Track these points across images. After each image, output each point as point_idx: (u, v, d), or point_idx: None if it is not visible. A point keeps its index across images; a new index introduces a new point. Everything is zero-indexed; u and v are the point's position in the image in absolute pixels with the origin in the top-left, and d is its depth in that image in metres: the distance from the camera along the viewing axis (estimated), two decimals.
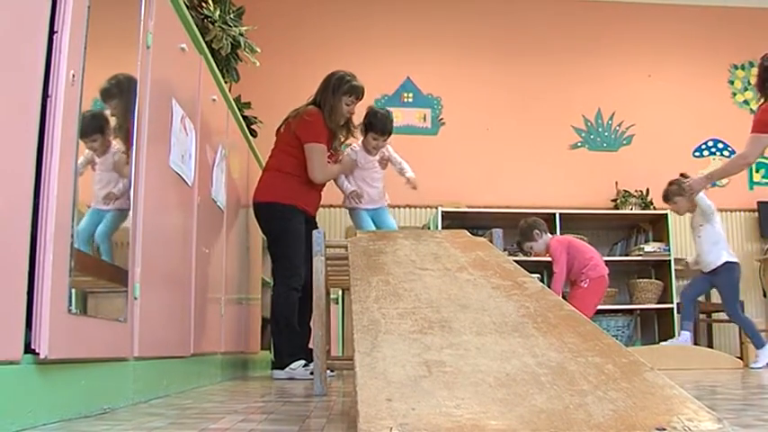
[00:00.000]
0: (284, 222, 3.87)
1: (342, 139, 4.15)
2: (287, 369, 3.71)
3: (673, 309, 6.08)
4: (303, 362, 3.70)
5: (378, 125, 4.12)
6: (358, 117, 4.16)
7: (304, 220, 3.94)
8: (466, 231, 2.56)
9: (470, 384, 1.10)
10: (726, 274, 5.04)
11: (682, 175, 5.10)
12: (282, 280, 3.84)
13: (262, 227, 4.02)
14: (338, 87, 3.94)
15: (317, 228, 4.09)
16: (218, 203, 3.46)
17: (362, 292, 1.63)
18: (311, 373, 3.52)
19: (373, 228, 4.14)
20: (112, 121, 1.98)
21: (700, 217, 5.09)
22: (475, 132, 6.74)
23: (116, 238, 2.03)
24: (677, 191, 5.12)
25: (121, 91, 2.08)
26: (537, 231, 5.04)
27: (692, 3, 7.15)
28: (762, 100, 4.38)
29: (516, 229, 6.34)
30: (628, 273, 6.52)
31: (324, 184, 4.11)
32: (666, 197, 5.24)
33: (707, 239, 5.07)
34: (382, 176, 4.26)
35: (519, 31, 7.04)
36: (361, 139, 4.21)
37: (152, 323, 2.27)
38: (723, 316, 6.47)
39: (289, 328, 3.77)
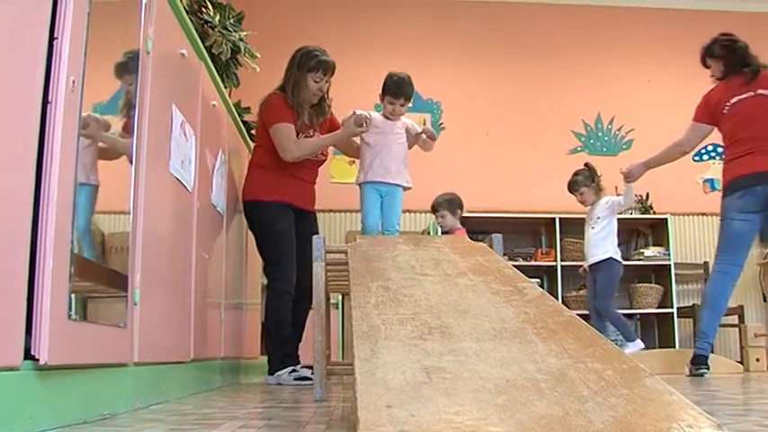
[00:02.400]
0: (268, 221, 3.67)
1: (309, 122, 3.74)
2: (275, 375, 3.63)
3: (673, 313, 6.08)
4: (290, 368, 3.61)
5: (391, 87, 3.69)
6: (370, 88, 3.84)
7: (294, 216, 3.72)
8: (465, 236, 2.56)
9: (470, 391, 1.10)
10: (606, 270, 4.84)
11: (586, 164, 4.96)
12: (272, 284, 3.69)
13: (249, 228, 3.85)
14: (304, 63, 3.68)
15: (315, 222, 3.91)
16: (218, 209, 3.46)
17: (362, 297, 1.63)
18: (295, 379, 3.53)
19: (378, 211, 3.67)
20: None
21: (605, 209, 4.85)
22: (474, 137, 6.75)
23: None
24: (583, 181, 4.90)
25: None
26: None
27: (692, 7, 7.16)
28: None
29: (517, 235, 6.36)
30: (628, 277, 6.50)
31: (315, 176, 3.89)
32: (572, 187, 4.97)
33: (600, 232, 4.86)
34: (405, 151, 3.77)
35: (519, 35, 7.04)
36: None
37: (152, 329, 2.27)
38: (723, 320, 6.47)
39: (278, 334, 3.64)
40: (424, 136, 3.79)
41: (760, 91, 3.98)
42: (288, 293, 3.63)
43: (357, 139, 3.83)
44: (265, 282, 3.84)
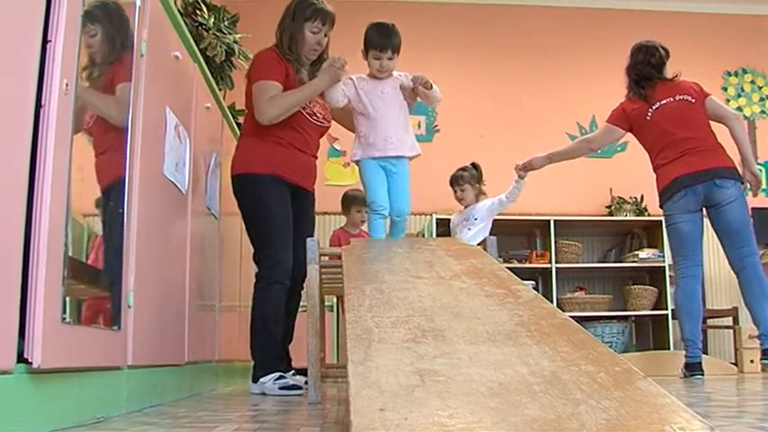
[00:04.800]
0: (257, 197, 3.12)
1: (308, 80, 3.21)
2: (258, 382, 3.07)
3: (668, 315, 6.08)
4: (276, 374, 3.03)
5: (374, 38, 3.13)
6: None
7: (290, 194, 3.19)
8: (468, 232, 2.56)
9: (463, 394, 1.10)
10: None
11: (473, 164, 4.67)
12: (261, 272, 3.14)
13: (239, 207, 3.25)
14: (299, 12, 3.21)
15: (313, 205, 3.40)
16: (213, 211, 3.45)
17: (356, 300, 1.63)
18: (280, 388, 2.98)
19: (384, 187, 3.07)
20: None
21: (484, 211, 4.43)
22: (469, 139, 6.75)
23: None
24: (469, 178, 4.54)
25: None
26: None
27: (686, 10, 7.18)
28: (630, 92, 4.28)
29: (511, 237, 6.36)
30: (622, 279, 6.53)
31: (316, 147, 3.34)
32: (456, 181, 4.58)
33: (476, 236, 4.34)
34: (404, 113, 3.16)
35: (513, 38, 7.05)
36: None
37: (146, 331, 2.27)
38: (717, 322, 6.50)
39: (265, 332, 3.09)
40: (421, 89, 3.16)
41: (678, 97, 4.07)
42: (280, 284, 3.10)
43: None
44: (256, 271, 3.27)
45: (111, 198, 2.03)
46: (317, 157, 3.37)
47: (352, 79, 3.15)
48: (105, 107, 2.01)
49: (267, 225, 3.12)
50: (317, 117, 3.27)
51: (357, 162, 3.13)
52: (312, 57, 3.27)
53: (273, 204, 3.12)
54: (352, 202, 4.72)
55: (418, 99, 3.23)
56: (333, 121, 3.46)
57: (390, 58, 3.12)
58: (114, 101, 2.08)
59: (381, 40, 3.11)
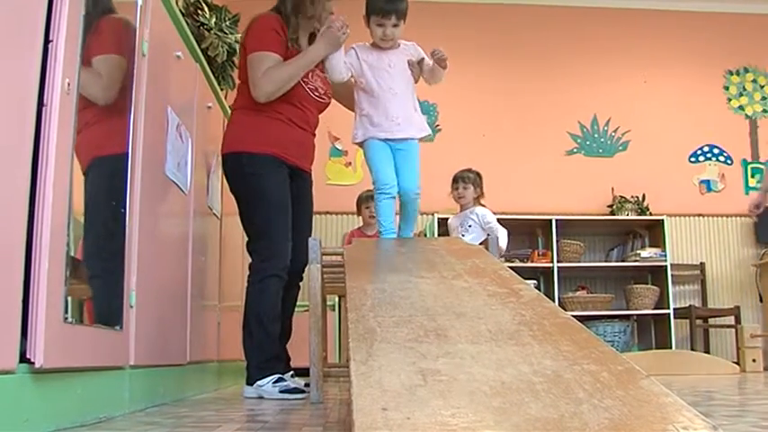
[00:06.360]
0: (254, 180, 2.82)
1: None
2: (255, 385, 2.79)
3: (669, 315, 6.08)
4: (275, 377, 2.77)
5: (377, 2, 2.77)
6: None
7: (288, 175, 2.90)
8: (462, 238, 2.56)
9: (466, 393, 1.10)
10: None
11: (476, 171, 4.50)
12: (256, 264, 2.87)
13: (231, 190, 2.96)
14: None
15: (311, 187, 3.12)
16: (214, 211, 3.46)
17: (358, 300, 1.63)
18: (281, 392, 2.74)
19: (391, 164, 2.79)
20: None
21: (479, 223, 4.24)
22: (471, 139, 6.75)
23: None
24: (473, 179, 4.41)
25: None
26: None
27: (688, 9, 7.17)
28: None
29: (513, 236, 6.35)
30: (624, 279, 6.51)
31: (315, 123, 3.04)
32: (463, 180, 4.42)
33: (472, 242, 3.95)
34: (411, 89, 2.87)
35: (515, 37, 7.04)
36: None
37: (148, 331, 2.27)
38: (720, 321, 6.49)
39: (261, 331, 2.80)
40: (431, 63, 2.87)
41: None
42: (277, 277, 2.83)
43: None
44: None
45: (90, 177, 1.84)
46: (315, 135, 3.09)
47: (354, 48, 2.86)
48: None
49: (265, 212, 2.83)
50: (319, 92, 2.98)
51: (360, 144, 2.85)
52: (319, 24, 2.95)
53: (272, 189, 2.83)
54: (361, 201, 4.76)
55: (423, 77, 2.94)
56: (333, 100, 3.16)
57: (395, 26, 2.78)
58: (89, 74, 1.85)
59: (385, 3, 2.76)
